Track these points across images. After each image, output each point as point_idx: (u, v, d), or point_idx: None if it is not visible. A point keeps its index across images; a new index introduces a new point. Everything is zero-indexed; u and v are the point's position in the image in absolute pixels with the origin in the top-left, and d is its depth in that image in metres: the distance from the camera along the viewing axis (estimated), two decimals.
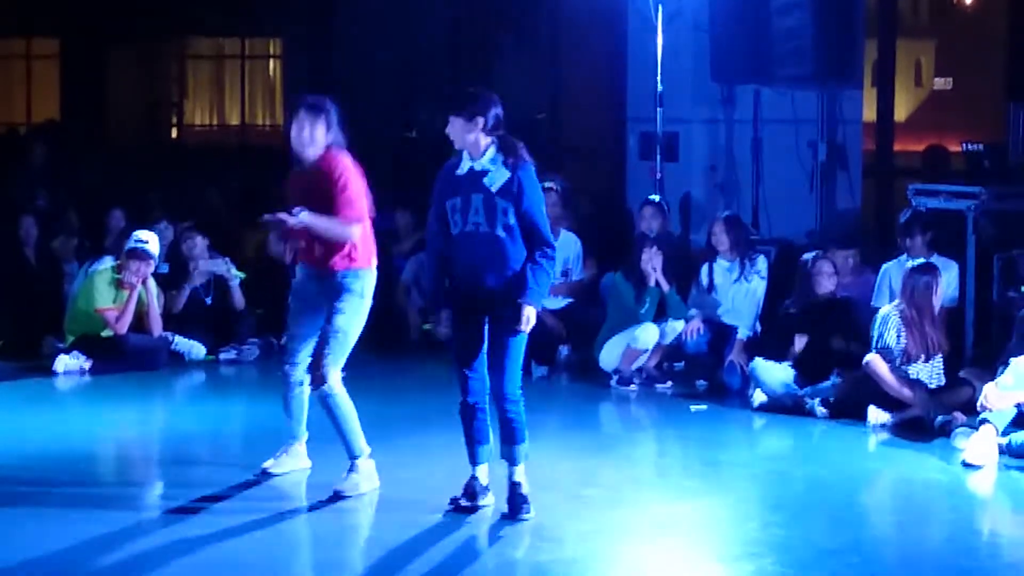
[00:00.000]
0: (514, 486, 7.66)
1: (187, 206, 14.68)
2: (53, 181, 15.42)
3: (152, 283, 12.18)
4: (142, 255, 12.02)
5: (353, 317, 8.06)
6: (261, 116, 26.27)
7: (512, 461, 7.67)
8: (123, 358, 11.81)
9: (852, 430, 9.88)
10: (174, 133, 26.28)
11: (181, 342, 12.34)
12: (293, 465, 8.48)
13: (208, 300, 12.76)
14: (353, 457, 8.10)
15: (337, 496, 7.97)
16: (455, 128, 7.49)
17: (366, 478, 8.09)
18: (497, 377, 7.57)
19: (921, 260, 10.41)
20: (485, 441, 7.74)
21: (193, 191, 15.61)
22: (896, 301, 10.15)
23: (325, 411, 8.06)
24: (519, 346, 7.55)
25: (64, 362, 11.77)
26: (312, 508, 7.89)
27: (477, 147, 7.47)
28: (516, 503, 7.61)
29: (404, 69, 17.44)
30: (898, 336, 9.95)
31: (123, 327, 11.98)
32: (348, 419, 8.06)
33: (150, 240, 12.08)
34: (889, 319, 10.00)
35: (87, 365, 11.79)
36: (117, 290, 12.05)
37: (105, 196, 12.73)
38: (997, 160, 12.22)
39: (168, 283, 12.79)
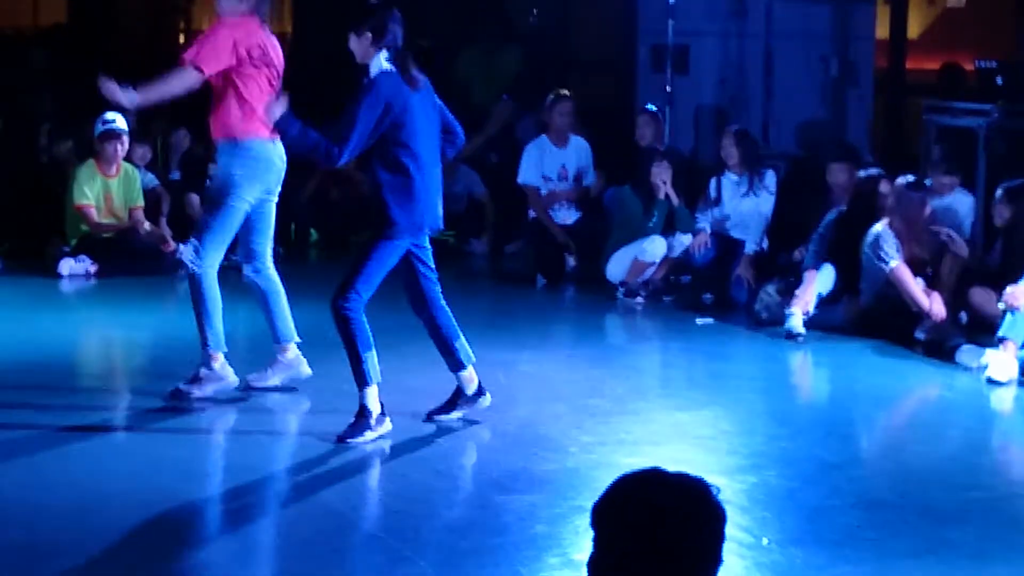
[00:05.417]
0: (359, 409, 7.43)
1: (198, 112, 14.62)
2: (59, 86, 15.34)
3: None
4: (114, 134, 12.01)
5: (220, 194, 7.91)
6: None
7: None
8: (128, 259, 11.79)
9: (859, 346, 9.86)
10: (181, 39, 26.10)
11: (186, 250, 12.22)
12: (282, 375, 8.25)
13: None
14: (205, 347, 7.93)
15: (176, 395, 7.90)
16: (352, 43, 7.38)
17: (215, 378, 7.94)
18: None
19: (911, 177, 10.28)
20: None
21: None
22: (885, 219, 10.06)
23: (190, 293, 7.98)
24: (364, 257, 7.36)
25: (69, 265, 11.76)
26: (311, 414, 7.88)
27: (367, 60, 7.35)
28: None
29: None
30: (897, 250, 9.90)
31: (101, 219, 11.98)
32: (209, 311, 7.90)
33: (117, 118, 12.04)
34: (885, 235, 9.93)
35: (92, 269, 11.78)
36: (103, 180, 12.02)
37: (109, 101, 12.64)
38: (1011, 78, 12.13)
39: (180, 190, 12.77)
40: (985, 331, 9.47)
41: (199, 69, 7.78)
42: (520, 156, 12.49)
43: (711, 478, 3.14)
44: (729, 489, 6.41)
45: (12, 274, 11.82)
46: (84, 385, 8.79)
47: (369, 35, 7.33)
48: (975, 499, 6.80)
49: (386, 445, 7.34)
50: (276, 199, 8.15)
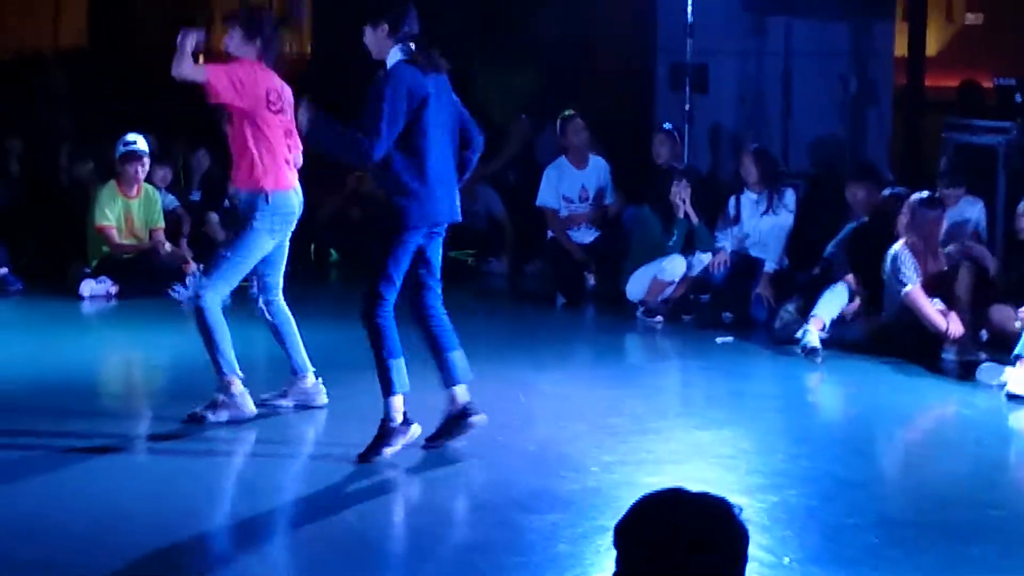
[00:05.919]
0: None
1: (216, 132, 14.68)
2: (79, 107, 15.41)
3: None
4: (135, 155, 12.06)
5: (239, 241, 8.03)
6: (289, 43, 26.14)
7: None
8: (149, 280, 11.82)
9: (878, 364, 9.85)
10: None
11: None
12: (298, 399, 8.35)
13: None
14: (220, 374, 8.02)
15: (193, 418, 7.93)
16: (367, 37, 7.41)
17: (233, 405, 8.01)
18: None
19: (925, 193, 10.27)
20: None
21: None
22: (903, 239, 10.06)
23: (196, 325, 8.04)
24: (379, 257, 7.34)
25: (90, 286, 11.81)
26: (329, 433, 7.90)
27: (384, 55, 7.37)
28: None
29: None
30: (914, 268, 9.89)
31: (122, 240, 12.05)
32: (218, 339, 7.98)
33: (138, 140, 12.10)
34: (902, 255, 9.92)
35: (113, 290, 11.82)
36: (123, 201, 12.07)
37: (130, 123, 12.72)
38: None
39: (200, 211, 12.81)
40: (1006, 348, 9.45)
41: (208, 81, 7.93)
42: (539, 175, 12.49)
43: (732, 497, 3.15)
44: (750, 508, 6.39)
45: (33, 295, 11.88)
46: (103, 406, 8.80)
47: (386, 27, 7.33)
48: (996, 517, 6.78)
49: (405, 463, 7.34)
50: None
